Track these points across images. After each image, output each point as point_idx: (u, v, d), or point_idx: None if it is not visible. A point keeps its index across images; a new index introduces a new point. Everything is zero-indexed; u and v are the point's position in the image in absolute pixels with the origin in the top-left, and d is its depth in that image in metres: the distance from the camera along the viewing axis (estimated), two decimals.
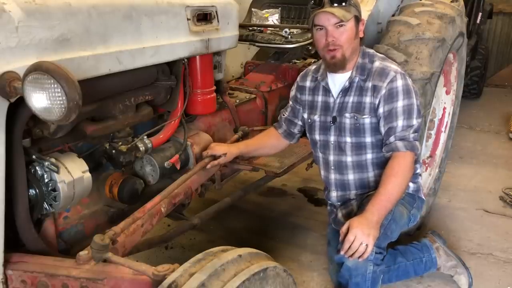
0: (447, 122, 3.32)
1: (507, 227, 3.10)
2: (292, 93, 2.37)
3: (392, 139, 2.00)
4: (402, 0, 3.09)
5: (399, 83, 1.99)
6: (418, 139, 2.03)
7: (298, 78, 2.35)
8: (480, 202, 3.44)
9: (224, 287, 1.15)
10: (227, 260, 1.22)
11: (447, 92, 3.27)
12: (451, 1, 3.02)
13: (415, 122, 2.01)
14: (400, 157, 1.98)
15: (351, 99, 2.09)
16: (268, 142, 2.39)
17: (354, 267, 1.93)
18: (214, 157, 2.15)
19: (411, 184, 2.19)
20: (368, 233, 1.78)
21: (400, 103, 1.99)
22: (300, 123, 2.35)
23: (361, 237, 1.77)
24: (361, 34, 2.08)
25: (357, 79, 2.07)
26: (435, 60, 2.55)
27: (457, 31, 2.84)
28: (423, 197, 2.28)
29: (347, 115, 2.09)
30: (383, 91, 2.00)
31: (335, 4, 1.94)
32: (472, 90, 6.59)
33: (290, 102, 2.38)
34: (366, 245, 1.77)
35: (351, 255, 1.79)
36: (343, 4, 1.95)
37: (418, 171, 2.26)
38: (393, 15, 2.95)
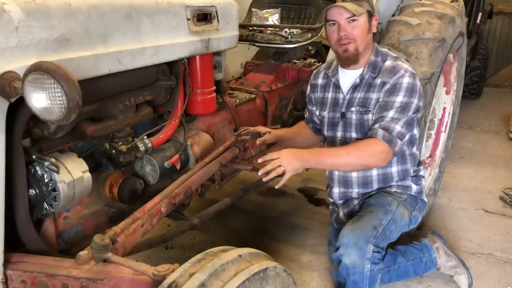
0: (447, 122, 3.32)
1: (507, 227, 3.10)
2: (307, 93, 2.39)
3: (376, 126, 1.98)
4: (402, 0, 3.09)
5: (406, 80, 1.98)
6: (402, 137, 1.97)
7: (311, 78, 2.37)
8: (480, 202, 3.44)
9: (224, 287, 1.15)
10: (227, 260, 1.22)
11: (447, 92, 3.27)
12: (451, 1, 3.02)
13: (405, 118, 1.98)
14: (372, 141, 1.95)
15: (359, 95, 2.10)
16: (305, 132, 2.43)
17: (351, 265, 1.93)
18: (259, 135, 2.19)
19: (414, 186, 2.19)
20: (291, 161, 1.82)
21: (399, 99, 1.97)
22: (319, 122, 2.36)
23: (283, 161, 1.81)
24: (374, 30, 2.08)
25: (367, 76, 2.08)
26: (435, 60, 2.55)
27: (457, 31, 2.84)
28: (426, 200, 2.29)
29: (353, 109, 2.10)
30: (388, 86, 2.00)
31: None
32: (472, 90, 6.59)
33: (307, 104, 2.41)
34: (284, 170, 1.80)
35: (267, 174, 1.82)
36: None
37: (422, 173, 2.26)
38: (393, 15, 2.95)
